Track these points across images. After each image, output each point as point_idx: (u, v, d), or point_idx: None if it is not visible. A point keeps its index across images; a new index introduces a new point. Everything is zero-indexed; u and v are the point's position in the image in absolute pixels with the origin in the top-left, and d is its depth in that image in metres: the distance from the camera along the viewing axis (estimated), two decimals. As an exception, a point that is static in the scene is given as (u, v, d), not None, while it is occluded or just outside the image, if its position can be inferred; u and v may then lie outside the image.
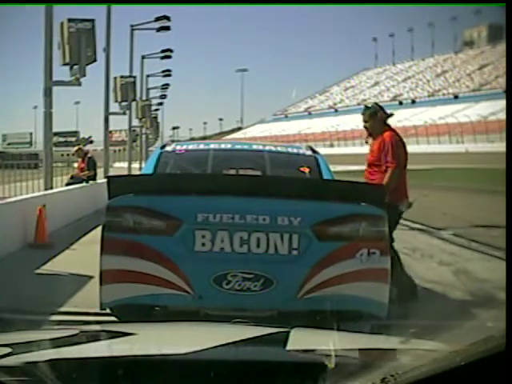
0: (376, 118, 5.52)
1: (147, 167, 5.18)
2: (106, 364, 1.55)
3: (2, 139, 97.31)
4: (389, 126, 5.57)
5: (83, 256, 7.17)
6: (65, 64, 10.87)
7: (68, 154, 14.40)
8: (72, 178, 13.52)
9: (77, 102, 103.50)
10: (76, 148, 13.94)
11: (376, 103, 5.87)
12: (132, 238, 4.02)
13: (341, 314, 3.31)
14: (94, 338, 2.02)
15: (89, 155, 13.45)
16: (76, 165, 14.37)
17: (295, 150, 5.48)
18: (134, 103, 24.26)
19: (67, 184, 13.25)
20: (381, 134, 5.46)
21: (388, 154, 5.34)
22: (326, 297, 3.85)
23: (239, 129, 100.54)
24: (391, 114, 5.64)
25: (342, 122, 73.16)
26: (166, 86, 36.92)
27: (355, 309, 3.96)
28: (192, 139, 66.83)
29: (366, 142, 5.73)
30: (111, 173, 17.16)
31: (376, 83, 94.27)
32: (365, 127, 5.60)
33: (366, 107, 5.67)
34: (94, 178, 13.35)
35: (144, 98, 29.64)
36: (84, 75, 10.84)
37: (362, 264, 4.01)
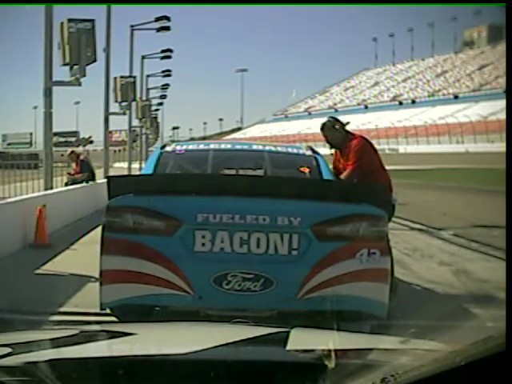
0: (335, 130, 5.64)
1: (147, 167, 5.18)
2: (106, 364, 1.55)
3: (2, 139, 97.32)
4: (351, 133, 5.70)
5: (83, 256, 7.17)
6: (65, 64, 10.86)
7: (62, 155, 14.09)
8: (66, 184, 13.23)
9: (77, 102, 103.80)
10: (69, 152, 13.52)
11: (331, 117, 5.95)
12: (132, 238, 4.02)
13: (341, 314, 3.30)
14: (94, 338, 2.02)
15: (81, 158, 13.14)
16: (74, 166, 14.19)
17: (295, 150, 5.47)
18: (134, 103, 24.25)
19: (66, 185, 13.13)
20: (347, 142, 5.57)
21: (350, 157, 5.50)
22: (326, 297, 3.85)
23: (239, 129, 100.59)
24: (347, 123, 5.77)
25: (342, 122, 73.10)
26: (166, 86, 36.90)
27: (355, 309, 3.95)
28: (192, 139, 66.87)
29: (332, 154, 5.86)
30: (111, 173, 17.15)
31: (376, 83, 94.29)
32: (327, 141, 5.71)
33: (323, 124, 5.74)
34: (92, 178, 13.30)
35: (144, 98, 29.62)
36: (84, 75, 10.82)
37: (362, 264, 4.01)
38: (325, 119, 5.84)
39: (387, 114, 74.06)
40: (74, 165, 13.26)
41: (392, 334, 2.48)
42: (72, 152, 13.35)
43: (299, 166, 5.10)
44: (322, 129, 5.71)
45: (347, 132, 5.68)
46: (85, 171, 12.85)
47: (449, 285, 6.11)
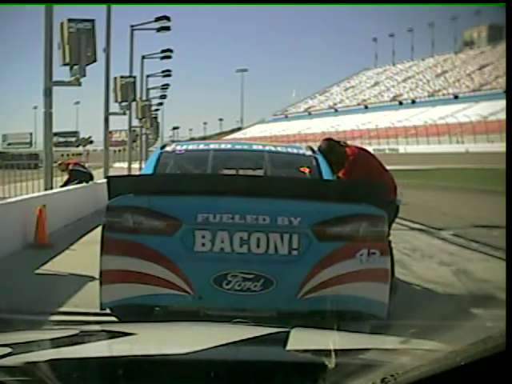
0: (334, 153, 5.56)
1: (147, 167, 5.18)
2: (106, 364, 1.55)
3: (2, 139, 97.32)
4: (347, 152, 5.61)
5: (83, 256, 7.17)
6: (65, 64, 10.87)
7: (62, 155, 14.05)
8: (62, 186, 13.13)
9: (77, 102, 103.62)
10: (59, 162, 13.48)
11: (328, 138, 5.88)
12: (132, 238, 4.02)
13: (341, 314, 3.31)
14: (94, 338, 2.02)
15: (70, 167, 12.99)
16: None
17: (295, 150, 5.47)
18: (134, 103, 24.25)
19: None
20: (344, 160, 5.54)
21: (343, 167, 5.50)
22: (326, 297, 3.85)
23: (239, 129, 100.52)
24: (345, 143, 5.75)
25: (341, 121, 73.16)
26: (166, 86, 36.87)
27: (355, 309, 3.95)
28: (192, 139, 66.82)
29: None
30: (111, 173, 17.15)
31: (376, 83, 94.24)
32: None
33: (319, 146, 5.67)
34: (91, 178, 13.30)
35: (144, 98, 29.62)
36: (84, 75, 10.84)
37: (362, 264, 4.01)
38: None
39: (387, 113, 74.03)
40: (66, 174, 13.16)
41: (392, 334, 2.48)
42: (61, 163, 13.31)
43: (299, 165, 5.10)
44: (319, 149, 5.63)
45: (345, 150, 5.62)
46: (75, 179, 12.74)
47: (449, 285, 6.11)
